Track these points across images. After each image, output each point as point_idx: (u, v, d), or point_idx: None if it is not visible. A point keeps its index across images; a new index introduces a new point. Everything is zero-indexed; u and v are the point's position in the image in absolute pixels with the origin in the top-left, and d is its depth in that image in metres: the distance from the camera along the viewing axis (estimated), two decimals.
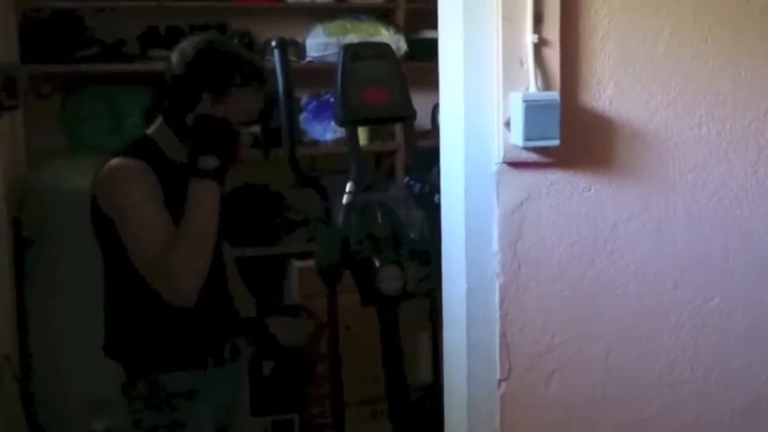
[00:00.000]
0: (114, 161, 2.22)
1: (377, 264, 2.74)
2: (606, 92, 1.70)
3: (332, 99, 3.24)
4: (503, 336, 1.70)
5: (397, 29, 4.25)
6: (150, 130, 2.32)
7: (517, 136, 1.63)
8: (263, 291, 3.95)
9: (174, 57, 2.25)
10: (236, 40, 3.80)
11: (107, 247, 2.29)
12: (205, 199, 2.14)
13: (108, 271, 2.34)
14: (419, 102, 2.93)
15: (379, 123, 3.77)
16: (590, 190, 1.72)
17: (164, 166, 2.24)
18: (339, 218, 2.81)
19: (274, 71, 2.86)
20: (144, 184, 2.16)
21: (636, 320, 1.78)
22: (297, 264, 3.92)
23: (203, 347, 2.38)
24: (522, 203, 1.68)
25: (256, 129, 2.24)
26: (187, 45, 2.26)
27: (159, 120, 2.30)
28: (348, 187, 2.81)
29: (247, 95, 2.27)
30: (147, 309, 2.26)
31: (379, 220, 2.83)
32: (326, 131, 4.22)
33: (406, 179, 2.92)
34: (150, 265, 2.13)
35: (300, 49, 4.11)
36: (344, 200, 2.81)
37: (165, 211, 2.16)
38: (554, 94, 1.63)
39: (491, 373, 1.71)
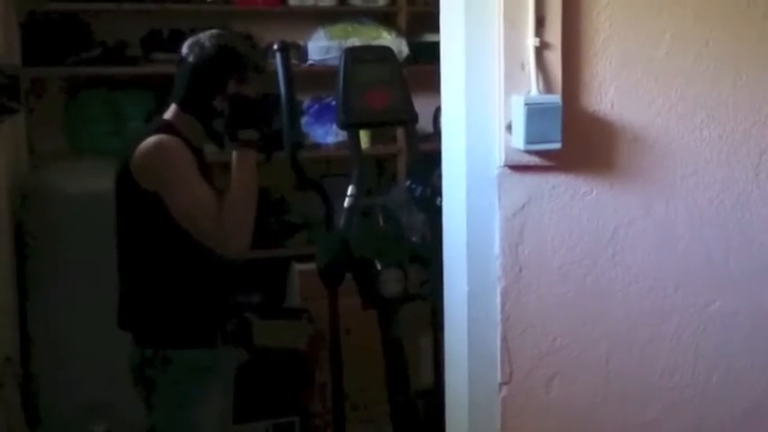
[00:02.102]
0: (157, 137, 2.40)
1: (378, 266, 2.74)
2: (608, 95, 1.70)
3: (333, 102, 3.25)
4: (504, 339, 1.70)
5: (399, 32, 4.26)
6: (168, 116, 2.49)
7: (518, 139, 1.63)
8: (265, 293, 3.98)
9: (192, 50, 2.48)
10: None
11: (140, 222, 2.44)
12: (249, 164, 2.43)
13: (137, 247, 2.49)
14: (421, 105, 2.93)
15: (380, 126, 3.77)
16: (591, 193, 1.72)
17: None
18: (340, 221, 2.82)
19: (276, 74, 2.86)
20: (187, 156, 2.40)
21: (637, 324, 1.78)
22: (298, 267, 3.92)
23: (215, 324, 2.53)
24: (523, 207, 1.68)
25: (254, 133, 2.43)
26: (204, 40, 2.49)
27: (174, 107, 2.49)
28: (350, 190, 2.81)
29: (255, 78, 2.55)
30: (175, 282, 2.45)
31: (381, 223, 2.83)
32: (328, 135, 4.22)
33: (408, 182, 2.92)
34: (212, 224, 2.36)
35: (302, 53, 4.11)
36: (346, 203, 2.81)
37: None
38: (555, 98, 1.63)
39: (492, 377, 1.72)
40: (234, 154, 2.43)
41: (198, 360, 2.46)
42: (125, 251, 2.51)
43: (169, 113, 2.49)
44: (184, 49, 2.49)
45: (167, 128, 2.44)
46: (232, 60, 2.48)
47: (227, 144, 2.46)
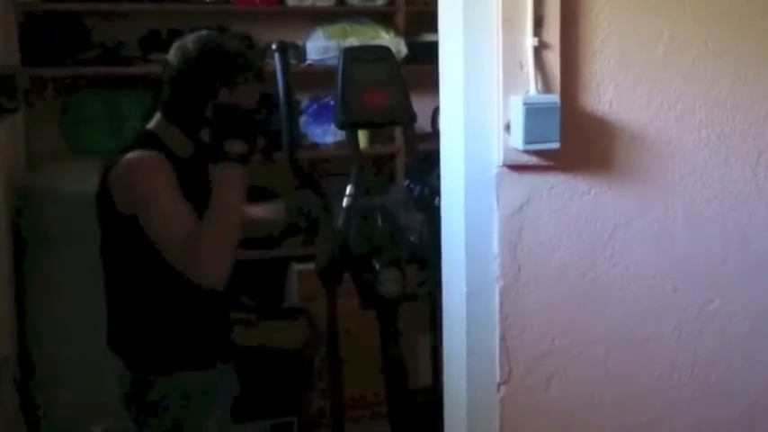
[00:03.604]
0: (132, 154, 2.23)
1: (376, 266, 2.74)
2: (606, 95, 1.70)
3: (332, 102, 3.24)
4: (502, 339, 1.70)
5: (398, 32, 4.26)
6: (151, 126, 2.35)
7: (517, 139, 1.63)
8: (263, 294, 3.98)
9: (177, 55, 2.32)
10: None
11: (121, 245, 2.29)
12: (233, 181, 2.19)
13: (120, 270, 2.34)
14: (419, 105, 2.93)
15: (379, 126, 3.77)
16: (590, 193, 1.72)
17: (170, 158, 2.28)
18: (339, 221, 2.81)
19: (275, 74, 2.86)
20: (166, 173, 2.20)
21: (635, 324, 1.78)
22: (297, 267, 3.92)
23: (214, 345, 2.40)
24: (522, 207, 1.68)
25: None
26: (188, 42, 2.33)
27: (158, 116, 2.34)
28: (348, 190, 2.81)
29: (251, 85, 2.36)
30: (163, 307, 2.29)
31: (379, 223, 2.83)
32: (327, 134, 4.22)
33: (406, 182, 2.92)
34: (182, 250, 2.14)
35: (301, 53, 4.11)
36: (344, 203, 2.81)
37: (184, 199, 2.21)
38: (554, 98, 1.63)
39: (491, 377, 1.71)
40: (215, 169, 2.19)
41: (193, 384, 2.31)
42: (110, 272, 2.36)
43: (153, 122, 2.33)
44: (170, 53, 2.33)
45: (149, 139, 2.28)
46: (217, 64, 2.28)
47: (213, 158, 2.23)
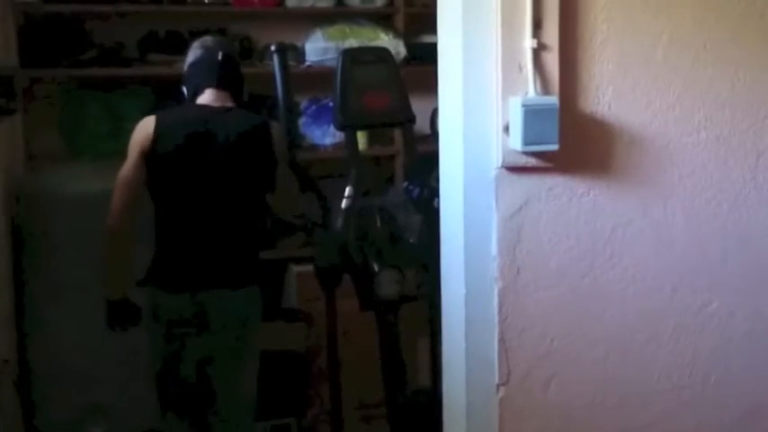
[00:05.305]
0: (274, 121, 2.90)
1: (375, 268, 2.74)
2: (605, 97, 1.70)
3: (331, 104, 3.25)
4: (501, 340, 1.70)
5: (397, 33, 4.25)
6: (229, 104, 2.81)
7: (516, 141, 1.63)
8: (262, 295, 3.97)
9: (225, 47, 2.87)
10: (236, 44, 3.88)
11: (251, 178, 2.81)
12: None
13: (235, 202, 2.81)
14: (418, 106, 2.94)
15: (378, 128, 3.77)
16: (589, 194, 1.72)
17: None
18: (338, 222, 2.81)
19: (274, 76, 2.86)
20: None
21: (634, 325, 1.78)
22: (295, 268, 3.91)
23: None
24: (520, 208, 1.68)
25: None
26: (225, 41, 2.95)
27: (219, 92, 2.81)
28: (347, 191, 2.81)
29: None
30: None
31: (378, 224, 2.83)
32: (326, 136, 4.22)
33: (405, 184, 2.92)
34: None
35: (300, 54, 4.11)
36: (343, 204, 2.81)
37: None
38: (553, 99, 1.63)
39: (490, 378, 1.71)
40: None
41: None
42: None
43: (221, 100, 2.80)
44: (218, 45, 2.87)
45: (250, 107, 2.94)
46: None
47: None
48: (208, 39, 2.95)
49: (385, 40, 4.13)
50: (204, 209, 2.76)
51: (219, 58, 2.81)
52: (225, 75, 2.81)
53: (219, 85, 2.80)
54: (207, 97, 2.80)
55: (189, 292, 2.75)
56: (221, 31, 3.98)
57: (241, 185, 2.79)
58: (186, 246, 2.78)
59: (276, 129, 2.85)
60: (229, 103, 2.82)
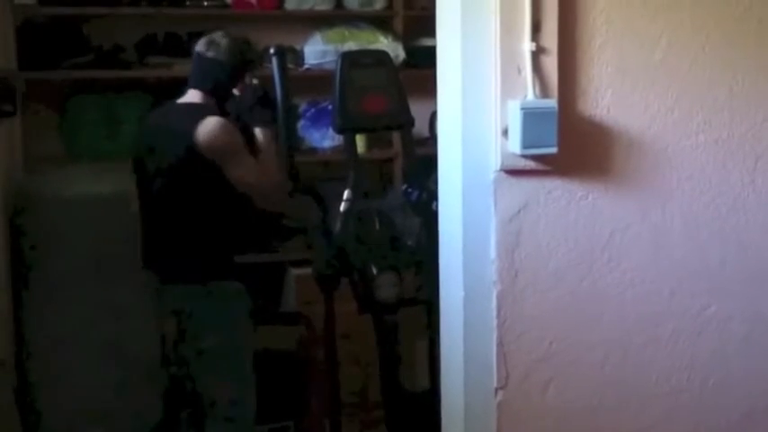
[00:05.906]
0: (213, 118, 2.86)
1: (374, 271, 2.74)
2: (604, 100, 1.70)
3: (330, 106, 3.24)
4: (500, 344, 1.70)
5: (396, 36, 4.26)
6: (196, 100, 2.93)
7: (515, 144, 1.63)
8: (261, 298, 3.97)
9: (215, 50, 2.94)
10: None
11: (198, 181, 2.88)
12: (270, 137, 2.98)
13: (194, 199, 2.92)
14: (417, 109, 2.94)
15: (376, 131, 3.77)
16: (587, 198, 1.72)
17: None
18: (336, 225, 2.81)
19: (272, 78, 2.86)
20: (238, 132, 2.91)
21: (633, 328, 1.78)
22: (294, 271, 3.92)
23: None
24: (519, 211, 1.68)
25: None
26: (223, 41, 2.96)
27: (195, 93, 2.94)
28: (346, 194, 2.81)
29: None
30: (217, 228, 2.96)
31: (377, 227, 2.83)
32: (324, 139, 4.22)
33: (404, 187, 2.92)
34: (260, 181, 2.89)
35: (298, 57, 4.11)
36: (342, 207, 2.81)
37: None
38: (552, 102, 1.63)
39: (488, 381, 1.71)
40: (257, 130, 2.99)
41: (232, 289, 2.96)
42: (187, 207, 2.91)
43: (191, 97, 2.93)
44: (203, 46, 2.95)
45: (207, 109, 2.90)
46: (249, 59, 3.07)
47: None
48: (213, 36, 3.03)
49: (384, 43, 4.13)
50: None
51: (193, 56, 3.03)
52: (195, 73, 2.99)
53: (190, 85, 2.98)
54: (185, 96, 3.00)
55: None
56: None
57: (172, 191, 2.94)
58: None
59: (209, 126, 2.86)
60: (197, 101, 2.95)
